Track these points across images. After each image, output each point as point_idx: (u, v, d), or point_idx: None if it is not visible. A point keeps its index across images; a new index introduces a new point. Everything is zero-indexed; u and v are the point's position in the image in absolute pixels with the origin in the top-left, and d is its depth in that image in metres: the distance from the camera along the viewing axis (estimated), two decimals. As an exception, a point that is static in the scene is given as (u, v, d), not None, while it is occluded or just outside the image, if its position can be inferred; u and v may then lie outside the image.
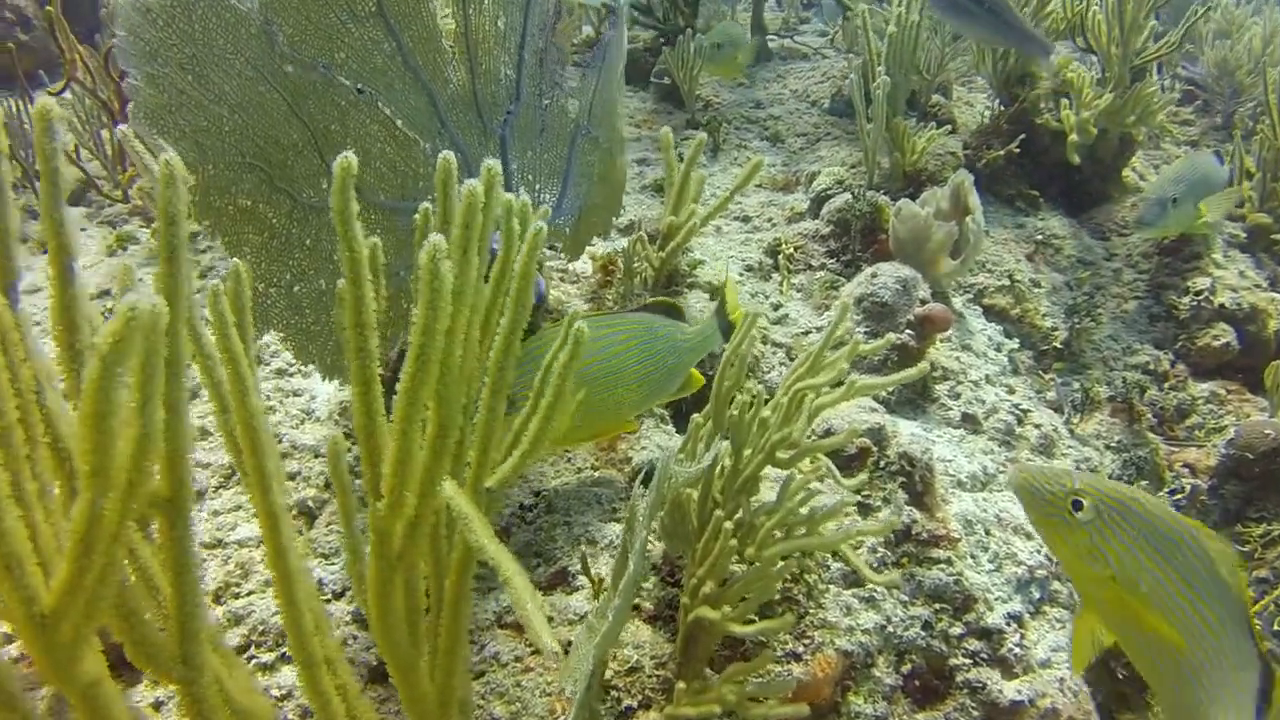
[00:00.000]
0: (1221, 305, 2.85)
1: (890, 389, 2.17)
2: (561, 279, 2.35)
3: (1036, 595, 2.02)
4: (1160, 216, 2.63)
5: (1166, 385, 2.76)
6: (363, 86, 1.52)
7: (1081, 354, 2.74)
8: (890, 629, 1.89)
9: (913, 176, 2.89)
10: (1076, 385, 2.65)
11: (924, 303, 2.32)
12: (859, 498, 2.02)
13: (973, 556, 2.03)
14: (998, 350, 2.63)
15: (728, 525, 1.41)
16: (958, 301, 2.74)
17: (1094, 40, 2.90)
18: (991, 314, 2.76)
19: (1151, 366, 2.79)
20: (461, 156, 1.75)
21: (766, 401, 1.59)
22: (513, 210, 1.16)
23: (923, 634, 1.90)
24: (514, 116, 1.82)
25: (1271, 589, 2.40)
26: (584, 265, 2.38)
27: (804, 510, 1.48)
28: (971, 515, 2.07)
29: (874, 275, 2.35)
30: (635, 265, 2.21)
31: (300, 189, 1.49)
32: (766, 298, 2.51)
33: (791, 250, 2.64)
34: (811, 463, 1.64)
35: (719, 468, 1.55)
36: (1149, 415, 2.56)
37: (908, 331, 2.29)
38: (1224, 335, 2.81)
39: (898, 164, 2.84)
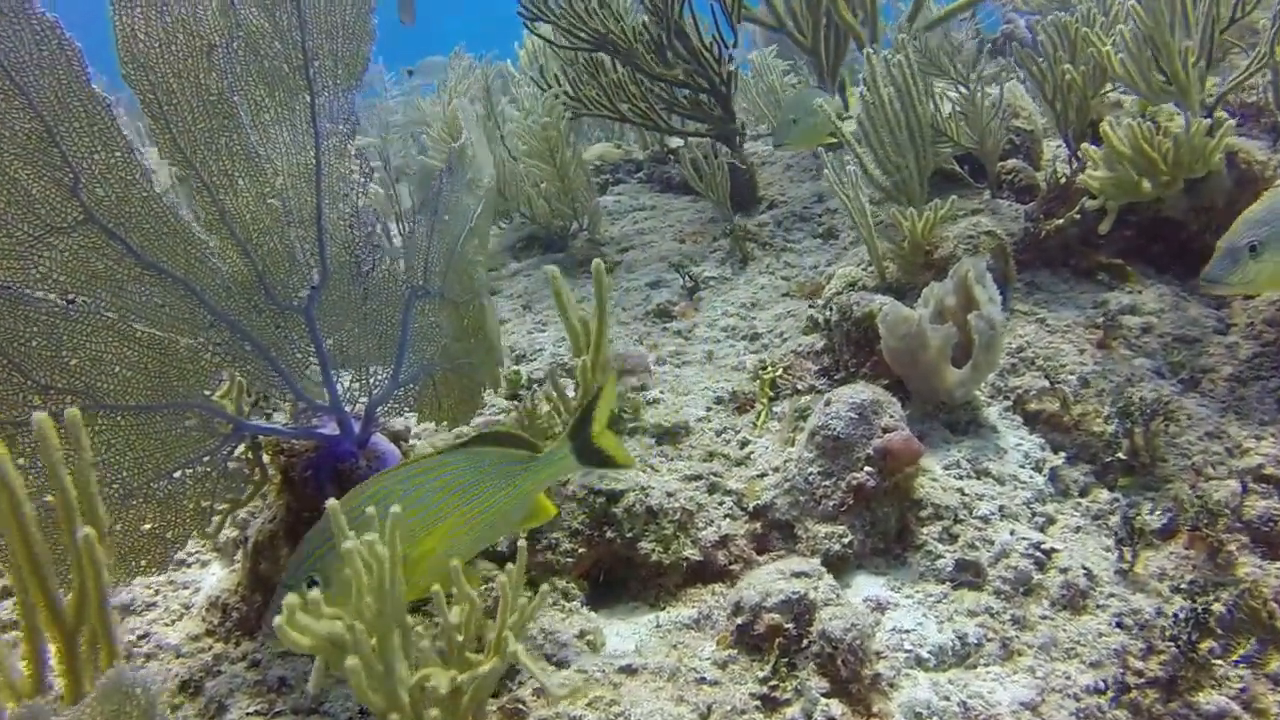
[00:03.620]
0: (1365, 382, 2.20)
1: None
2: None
3: (1014, 814, 1.56)
4: (1229, 270, 2.09)
5: (1290, 494, 2.14)
6: (73, 296, 1.45)
7: (1161, 462, 2.18)
8: None
9: (940, 266, 2.47)
10: (1147, 507, 2.10)
11: (888, 431, 1.92)
12: (765, 689, 1.66)
13: (922, 761, 1.60)
14: (1036, 470, 2.15)
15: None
16: (993, 411, 2.28)
17: (1125, 77, 2.37)
18: (1039, 423, 2.27)
19: (1268, 471, 2.17)
20: (249, 343, 1.64)
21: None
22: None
23: None
24: (321, 291, 1.69)
25: None
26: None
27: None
28: (926, 706, 1.65)
29: (828, 403, 1.99)
30: (539, 422, 1.99)
31: (-4, 412, 1.43)
32: (736, 433, 2.20)
33: (779, 372, 2.30)
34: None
35: None
36: (1231, 546, 1.97)
37: (866, 469, 1.90)
38: (1367, 423, 2.15)
39: (905, 257, 2.44)
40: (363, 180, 1.72)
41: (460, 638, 1.33)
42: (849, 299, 2.24)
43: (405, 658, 1.12)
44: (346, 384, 1.77)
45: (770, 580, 1.75)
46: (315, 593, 1.05)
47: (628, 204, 3.58)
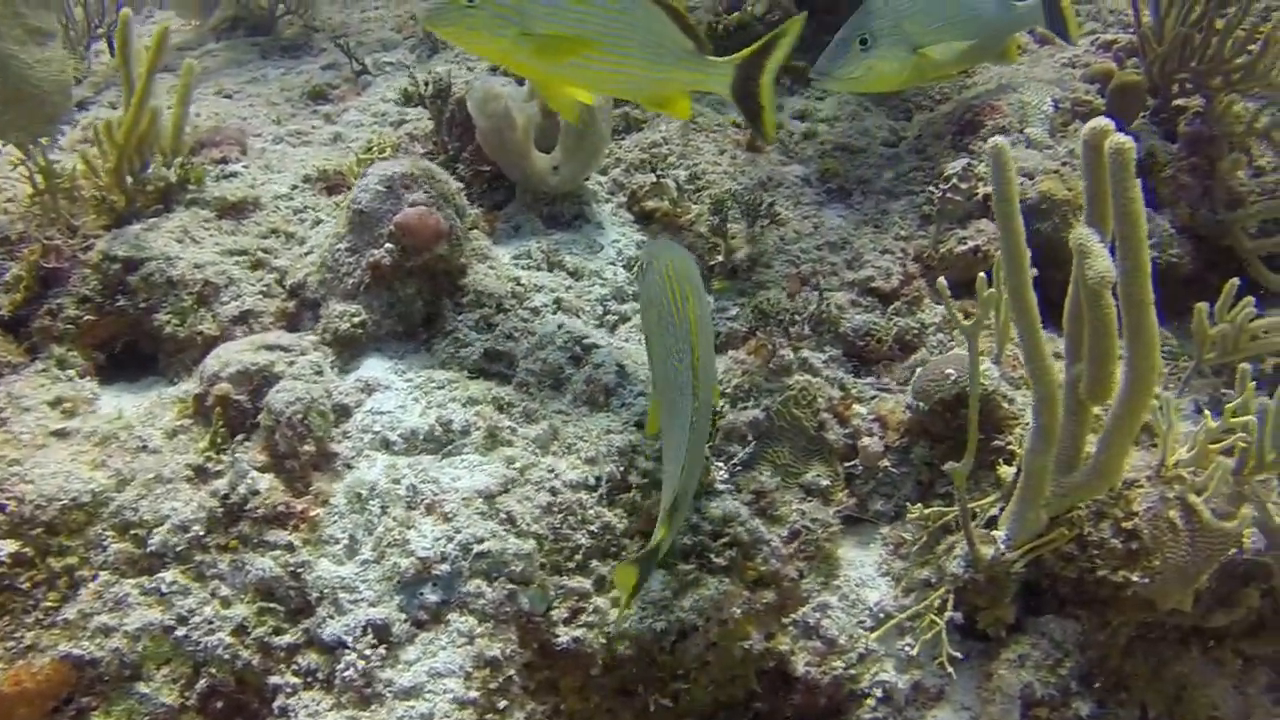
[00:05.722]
0: (988, 198, 2.06)
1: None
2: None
3: (432, 599, 1.50)
4: (836, 63, 1.94)
5: (890, 308, 2.03)
6: None
7: (765, 268, 2.05)
8: (184, 631, 1.45)
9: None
10: (733, 311, 1.99)
11: (414, 206, 1.78)
12: (203, 460, 1.57)
13: (349, 541, 1.53)
14: (627, 269, 2.02)
15: None
16: (606, 207, 2.14)
17: None
18: (654, 221, 2.13)
19: (875, 284, 2.06)
20: None
21: None
22: None
23: (230, 641, 1.45)
24: None
25: (930, 591, 1.70)
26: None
27: None
28: (370, 487, 1.57)
29: (364, 175, 1.84)
30: (60, 183, 1.83)
31: None
32: (315, 213, 2.04)
33: (385, 154, 2.14)
34: None
35: None
36: (785, 351, 1.86)
37: (386, 246, 1.76)
38: (977, 238, 2.02)
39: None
40: None
41: None
42: (449, 76, 2.06)
43: None
44: None
45: (237, 351, 1.64)
46: None
47: (371, -9, 3.33)
